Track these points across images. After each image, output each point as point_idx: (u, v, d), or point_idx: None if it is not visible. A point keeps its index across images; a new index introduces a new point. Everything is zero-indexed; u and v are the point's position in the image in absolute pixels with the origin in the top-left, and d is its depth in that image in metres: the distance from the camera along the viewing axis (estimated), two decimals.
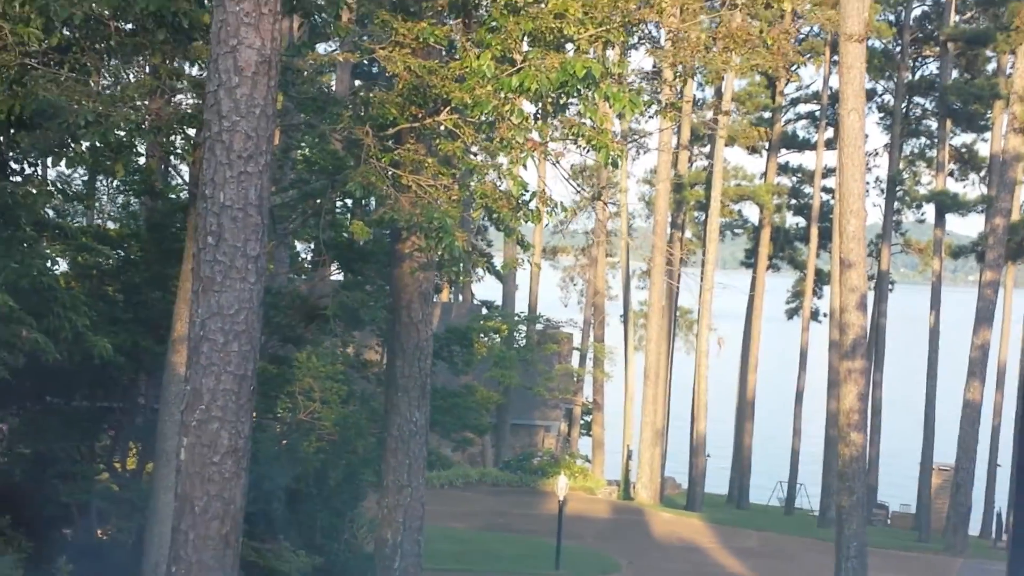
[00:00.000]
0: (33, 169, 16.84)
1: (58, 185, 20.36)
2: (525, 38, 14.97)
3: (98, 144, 14.68)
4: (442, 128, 15.30)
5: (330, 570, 22.84)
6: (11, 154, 15.15)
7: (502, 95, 14.32)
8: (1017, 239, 44.95)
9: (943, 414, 48.78)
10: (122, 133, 14.65)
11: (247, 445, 10.62)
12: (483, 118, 14.61)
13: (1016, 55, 42.17)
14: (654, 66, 48.77)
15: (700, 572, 31.84)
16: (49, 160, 18.23)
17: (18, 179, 15.48)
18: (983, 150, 52.45)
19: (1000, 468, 48.38)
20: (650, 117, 50.90)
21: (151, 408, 19.56)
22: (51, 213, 17.83)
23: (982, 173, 52.31)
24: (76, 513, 19.73)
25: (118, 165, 17.13)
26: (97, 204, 23.75)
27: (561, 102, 15.44)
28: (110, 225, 23.42)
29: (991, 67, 50.15)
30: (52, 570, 12.41)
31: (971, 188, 54.06)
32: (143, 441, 21.10)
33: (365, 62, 17.29)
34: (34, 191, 15.36)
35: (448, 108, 14.96)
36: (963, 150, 54.14)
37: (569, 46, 15.39)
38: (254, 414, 12.05)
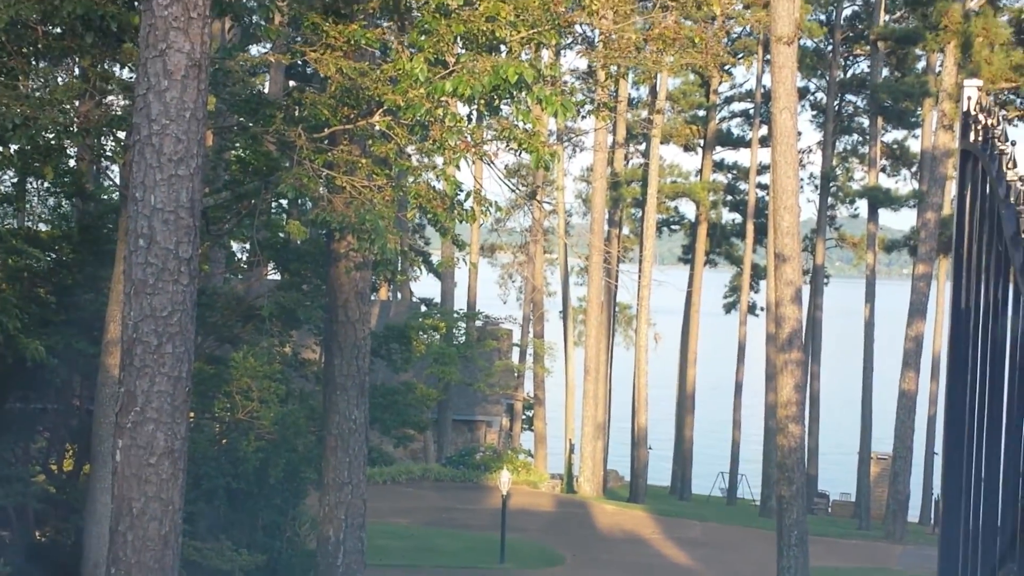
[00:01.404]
0: None
1: None
2: (458, 41, 15.02)
3: (27, 147, 14.62)
4: (376, 130, 15.33)
5: (273, 568, 22.81)
6: None
7: (435, 98, 14.37)
8: (948, 233, 45.49)
9: (880, 404, 49.41)
10: (51, 136, 14.58)
11: (184, 446, 10.60)
12: (416, 120, 14.65)
13: (945, 53, 42.61)
14: (588, 66, 49.12)
15: (644, 563, 32.01)
16: None
17: None
18: (914, 146, 53.18)
19: (936, 456, 48.87)
20: (584, 117, 51.23)
21: (86, 410, 19.46)
22: None
23: (913, 169, 52.96)
24: (13, 515, 19.58)
25: (47, 168, 17.05)
26: (27, 206, 23.53)
27: (495, 104, 15.49)
28: (41, 227, 23.20)
29: (921, 65, 50.72)
30: None
31: (903, 183, 54.89)
32: (79, 443, 20.96)
33: (298, 63, 17.23)
34: None
35: (381, 110, 14.98)
36: (895, 146, 54.74)
37: (502, 48, 15.45)
38: (191, 414, 12.04)
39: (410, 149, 16.29)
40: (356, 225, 14.84)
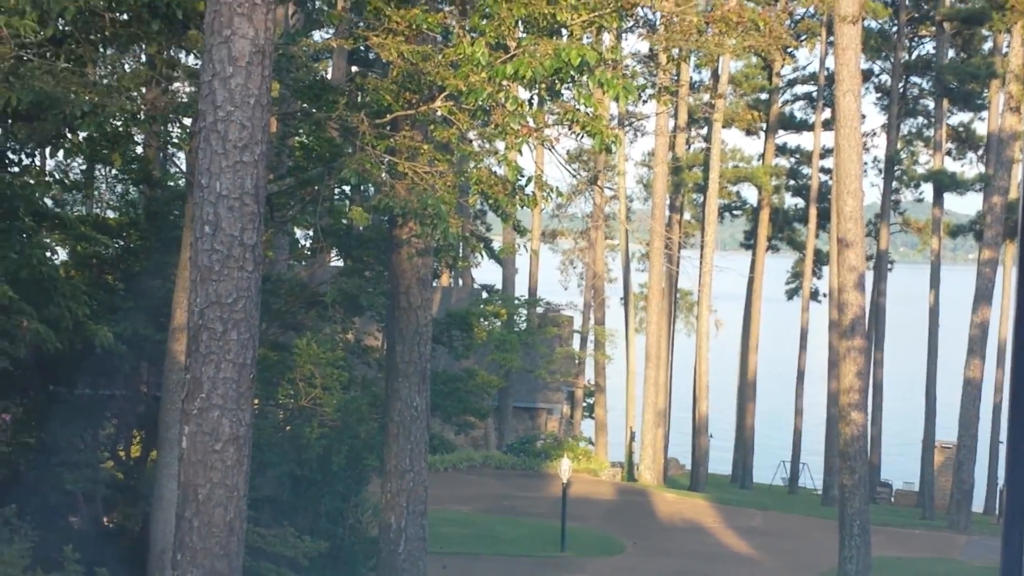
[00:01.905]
0: (31, 160, 16.89)
1: (56, 175, 20.44)
2: (519, 24, 14.97)
3: (95, 134, 14.75)
4: (437, 115, 15.34)
5: (335, 555, 22.91)
6: (9, 145, 15.19)
7: (497, 82, 14.34)
8: (1014, 217, 44.95)
9: (944, 392, 48.90)
10: (119, 123, 14.70)
11: (249, 432, 10.69)
12: (478, 105, 14.64)
13: (1011, 34, 42.13)
14: (650, 50, 48.92)
15: (705, 552, 31.93)
16: (47, 150, 18.27)
17: (16, 170, 15.53)
18: (980, 129, 52.51)
19: (1002, 445, 48.40)
20: (645, 101, 51.08)
21: (153, 396, 19.64)
22: (50, 203, 17.86)
23: (979, 152, 52.30)
24: (81, 501, 19.80)
25: (115, 154, 17.19)
26: (95, 193, 23.77)
27: (556, 88, 15.44)
28: (109, 214, 23.45)
29: (987, 46, 50.11)
30: (59, 558, 12.48)
31: (969, 167, 54.13)
32: (146, 429, 21.17)
33: (360, 49, 17.27)
34: (32, 182, 15.41)
35: (443, 95, 14.97)
36: (960, 129, 54.09)
37: (563, 32, 15.39)
38: (255, 401, 12.11)
39: (472, 134, 16.30)
40: (418, 210, 14.84)
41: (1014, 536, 5.49)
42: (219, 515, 10.44)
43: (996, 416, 50.21)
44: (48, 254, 15.94)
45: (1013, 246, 48.98)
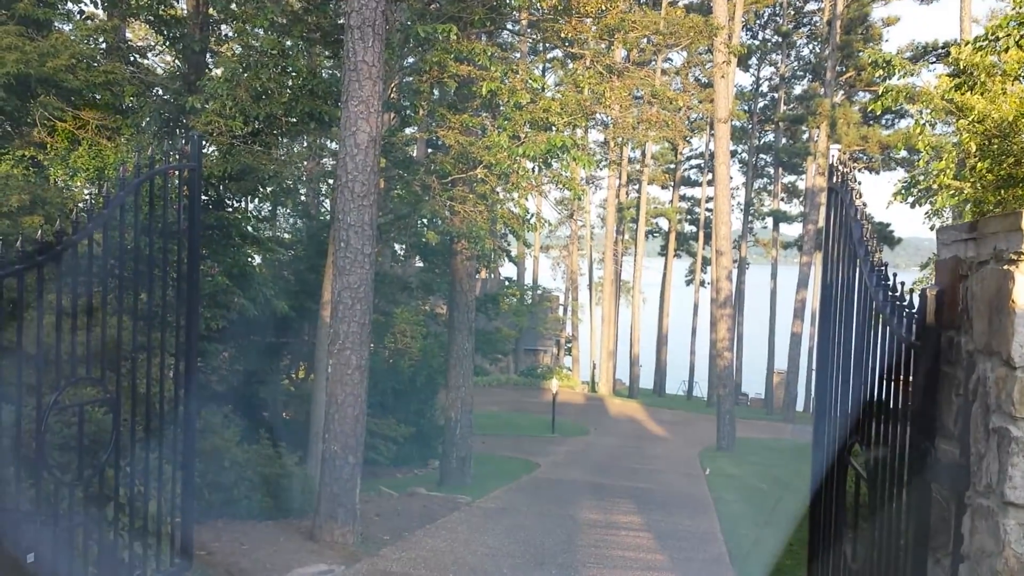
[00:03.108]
0: (239, 203, 17.00)
1: (253, 213, 20.47)
2: (527, 124, 15.02)
3: (277, 188, 14.82)
4: (478, 177, 15.39)
5: (418, 435, 23.04)
6: (226, 195, 15.29)
7: (513, 158, 14.39)
8: (820, 237, 44.67)
9: (779, 340, 48.66)
10: (290, 182, 14.78)
11: (367, 363, 10.77)
12: (502, 171, 14.67)
13: (820, 129, 41.92)
14: (604, 139, 48.74)
15: (637, 433, 31.95)
16: (248, 198, 18.40)
17: (230, 210, 15.62)
18: (801, 185, 52.10)
19: (812, 371, 48.20)
20: (602, 168, 50.91)
21: (311, 342, 19.75)
22: (250, 229, 17.97)
23: (800, 198, 51.96)
24: (269, 403, 19.93)
25: (288, 201, 17.27)
26: (277, 223, 23.88)
27: (548, 161, 15.47)
28: (285, 235, 23.53)
29: (805, 136, 49.76)
30: (256, 437, 12.61)
31: (794, 207, 53.72)
32: (307, 361, 21.28)
33: (433, 138, 17.27)
34: (239, 216, 15.48)
35: (481, 165, 15.04)
36: (789, 185, 53.76)
37: (553, 128, 15.42)
38: (371, 345, 12.18)
39: (498, 189, 16.29)
40: (467, 234, 14.90)
41: (820, 425, 5.57)
42: (350, 412, 10.54)
43: (810, 354, 49.84)
44: (249, 259, 16.03)
45: (820, 254, 48.63)
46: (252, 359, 18.84)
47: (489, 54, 14.35)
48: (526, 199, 15.96)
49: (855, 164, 39.96)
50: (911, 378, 4.07)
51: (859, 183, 5.25)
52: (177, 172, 7.09)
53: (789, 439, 32.10)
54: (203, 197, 11.79)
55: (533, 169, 15.80)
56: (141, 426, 6.73)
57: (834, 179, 5.76)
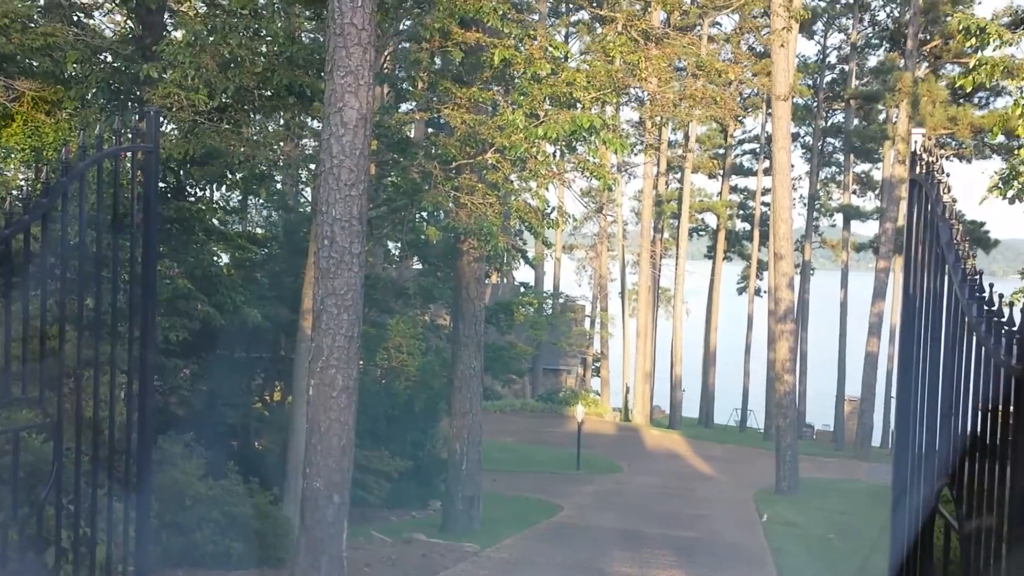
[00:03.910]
0: (203, 192, 17.00)
1: (220, 203, 20.52)
2: (546, 100, 15.00)
3: (248, 175, 14.86)
4: (488, 163, 15.38)
5: (417, 470, 23.00)
6: (188, 182, 15.31)
7: (531, 140, 14.37)
8: (901, 238, 44.48)
9: (851, 361, 48.44)
10: (264, 167, 14.81)
11: (355, 384, 10.73)
12: (517, 156, 14.66)
13: (899, 108, 41.77)
14: (639, 118, 48.75)
15: (679, 471, 31.86)
16: (214, 186, 18.39)
17: (192, 199, 15.65)
18: (877, 175, 51.91)
19: (892, 399, 47.95)
20: (636, 154, 50.91)
21: (288, 358, 19.77)
22: (216, 223, 17.99)
23: (876, 191, 51.77)
24: (239, 431, 19.97)
25: (262, 190, 17.34)
26: (248, 216, 23.92)
27: (572, 145, 15.45)
28: (258, 230, 23.57)
29: (882, 116, 49.59)
30: (224, 470, 12.65)
31: (868, 202, 53.56)
32: (284, 381, 21.30)
33: (434, 116, 17.29)
34: (204, 207, 15.50)
35: (492, 149, 15.01)
36: (862, 175, 53.58)
37: (578, 105, 15.41)
38: (360, 363, 12.17)
39: (512, 177, 16.28)
40: (476, 231, 14.88)
41: (902, 463, 5.51)
42: (335, 441, 10.51)
43: (888, 379, 49.70)
44: (215, 258, 16.04)
45: (900, 258, 48.48)
46: (218, 377, 18.86)
47: (501, 14, 14.34)
48: (546, 189, 15.95)
49: (942, 151, 39.79)
50: (1012, 409, 4.02)
51: (947, 174, 5.20)
52: (130, 154, 7.12)
53: (864, 480, 31.91)
54: (161, 184, 11.83)
55: (554, 154, 15.79)
56: (87, 456, 6.76)
57: (917, 169, 5.71)
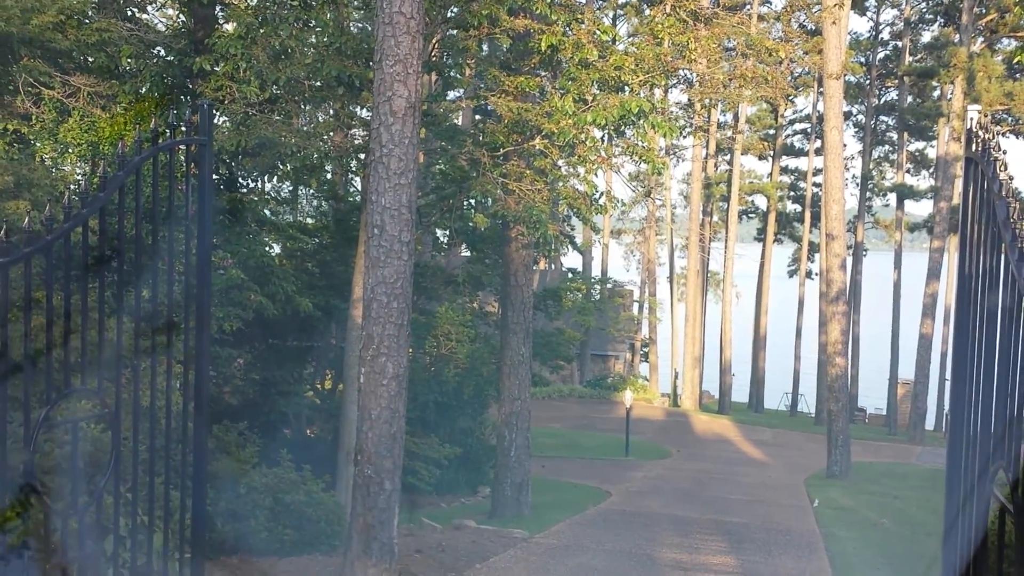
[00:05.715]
0: (255, 183, 17.16)
1: (272, 194, 20.71)
2: (594, 84, 14.94)
3: (299, 165, 14.96)
4: (536, 149, 15.36)
5: (466, 457, 23.14)
6: (239, 173, 15.46)
7: (579, 126, 14.33)
8: (955, 217, 43.69)
9: (905, 343, 47.80)
10: (315, 158, 14.91)
11: (405, 372, 10.78)
12: (565, 142, 14.63)
13: (954, 85, 40.99)
14: (688, 100, 48.32)
15: (729, 457, 31.71)
16: (266, 177, 18.54)
17: (244, 190, 15.80)
18: (931, 154, 51.02)
19: (946, 381, 47.21)
20: (685, 136, 50.53)
21: (339, 347, 19.94)
22: (268, 213, 18.17)
23: (930, 170, 50.89)
24: (291, 419, 20.20)
25: (313, 179, 17.44)
26: (299, 206, 24.10)
27: (621, 129, 15.37)
28: (308, 220, 23.74)
29: (936, 93, 48.67)
30: (277, 458, 12.80)
31: (922, 181, 52.63)
32: (335, 369, 21.51)
33: (482, 103, 17.30)
34: (256, 198, 15.65)
35: (540, 135, 14.99)
36: (916, 154, 52.67)
37: (626, 88, 15.32)
38: (410, 350, 12.24)
39: (561, 163, 16.24)
40: (524, 218, 14.87)
41: (956, 446, 5.45)
42: (385, 429, 10.59)
43: (943, 361, 48.95)
44: (267, 249, 16.18)
45: (955, 238, 47.58)
46: (271, 366, 19.10)
47: (549, 1, 14.31)
48: (594, 175, 15.89)
49: (998, 127, 39.03)
50: None
51: (1004, 151, 5.12)
52: (184, 147, 7.22)
53: (917, 464, 31.50)
54: (214, 176, 11.98)
55: (602, 138, 15.71)
56: (144, 445, 6.89)
57: (973, 147, 5.62)
